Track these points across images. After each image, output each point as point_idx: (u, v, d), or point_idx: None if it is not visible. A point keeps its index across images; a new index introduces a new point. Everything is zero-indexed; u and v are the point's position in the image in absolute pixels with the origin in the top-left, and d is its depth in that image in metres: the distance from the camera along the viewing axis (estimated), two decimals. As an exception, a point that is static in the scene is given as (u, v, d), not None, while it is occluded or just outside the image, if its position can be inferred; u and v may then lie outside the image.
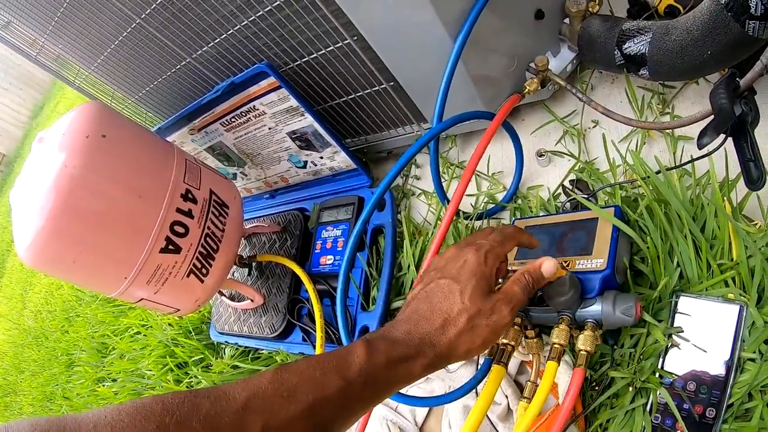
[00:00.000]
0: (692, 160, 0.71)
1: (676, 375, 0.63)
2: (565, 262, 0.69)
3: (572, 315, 0.65)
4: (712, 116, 0.61)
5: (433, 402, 0.68)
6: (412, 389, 0.84)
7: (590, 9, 0.85)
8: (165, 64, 1.06)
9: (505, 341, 0.67)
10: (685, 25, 0.68)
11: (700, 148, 0.59)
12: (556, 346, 0.63)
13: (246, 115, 1.03)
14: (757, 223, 0.67)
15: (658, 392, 0.63)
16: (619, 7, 0.94)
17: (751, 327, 0.60)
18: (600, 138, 0.90)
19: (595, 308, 0.64)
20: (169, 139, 1.15)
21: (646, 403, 0.64)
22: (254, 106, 0.99)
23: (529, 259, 0.73)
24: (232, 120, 1.05)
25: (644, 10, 0.88)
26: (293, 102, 0.95)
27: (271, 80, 0.91)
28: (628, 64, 0.79)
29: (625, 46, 0.78)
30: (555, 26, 0.89)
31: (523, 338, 0.70)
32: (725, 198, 0.67)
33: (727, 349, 0.60)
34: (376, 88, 0.94)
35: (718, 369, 0.61)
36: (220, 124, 1.07)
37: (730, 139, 0.61)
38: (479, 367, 0.76)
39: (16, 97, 8.66)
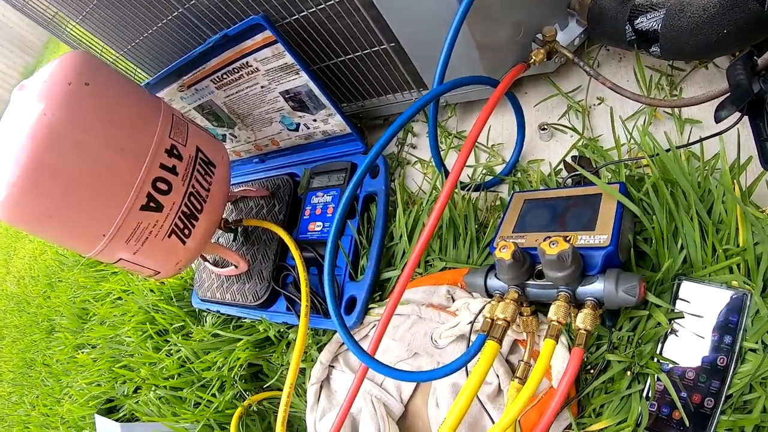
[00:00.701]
0: (702, 139, 0.70)
1: (674, 362, 0.61)
2: (566, 236, 0.66)
3: (572, 292, 0.63)
4: (728, 93, 0.59)
5: (422, 376, 0.65)
6: (399, 364, 0.81)
7: None
8: (156, 15, 1.01)
9: (501, 316, 0.64)
10: (701, 3, 0.67)
11: (717, 122, 0.58)
12: (554, 323, 0.60)
13: (238, 72, 0.98)
14: (765, 210, 0.65)
15: (656, 378, 0.62)
16: None
17: (755, 316, 0.59)
18: (604, 116, 0.89)
19: (597, 286, 0.61)
20: (158, 95, 1.10)
21: (643, 389, 0.63)
22: (247, 62, 0.95)
23: (529, 232, 0.70)
24: (224, 77, 1.01)
25: None
26: (288, 59, 0.90)
27: (266, 34, 0.87)
28: (639, 40, 0.77)
29: (637, 22, 0.76)
30: None
31: (517, 315, 0.67)
32: (735, 181, 0.65)
33: (729, 337, 0.59)
34: (376, 48, 0.91)
35: (718, 358, 0.59)
36: (211, 81, 1.03)
37: (735, 126, 0.61)
38: (469, 344, 0.74)
39: (6, 59, 8.49)
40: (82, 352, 1.57)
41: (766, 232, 0.60)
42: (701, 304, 0.62)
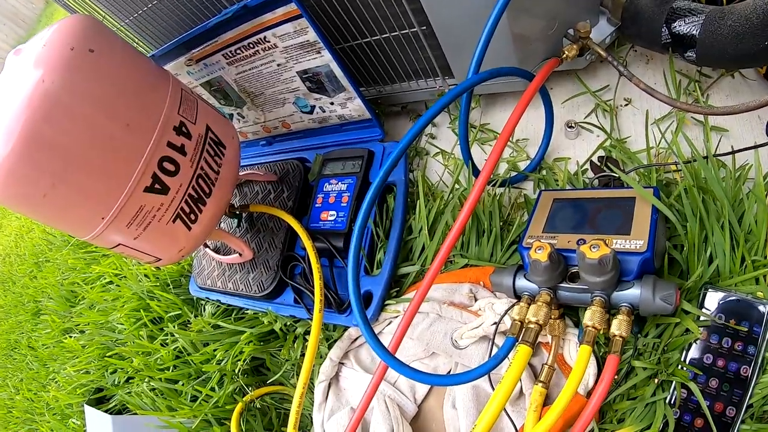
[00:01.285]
0: (738, 151, 0.70)
1: (699, 370, 0.61)
2: (601, 239, 0.64)
3: (607, 297, 0.61)
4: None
5: (449, 380, 0.63)
6: (414, 364, 0.79)
7: None
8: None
9: (534, 319, 0.62)
10: (744, 12, 0.66)
11: None
12: (590, 329, 0.59)
13: (254, 47, 0.93)
14: None
15: (682, 385, 0.61)
16: None
17: None
18: (631, 117, 0.89)
19: (633, 292, 0.60)
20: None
21: (668, 397, 0.62)
22: (265, 38, 0.90)
23: (560, 233, 0.68)
24: (237, 52, 0.95)
25: None
26: (311, 35, 0.86)
27: (290, 7, 0.82)
28: (675, 44, 0.77)
29: (674, 25, 0.75)
30: None
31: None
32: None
33: (752, 347, 0.59)
34: (406, 31, 0.88)
35: (741, 368, 0.60)
36: (223, 55, 0.97)
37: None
38: (492, 347, 0.71)
39: (-2, 32, 8.28)
40: (71, 337, 1.52)
41: None
42: (726, 314, 0.62)
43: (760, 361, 0.58)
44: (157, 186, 0.75)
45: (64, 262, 1.88)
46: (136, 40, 1.15)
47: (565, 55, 0.82)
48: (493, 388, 0.70)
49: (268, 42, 0.91)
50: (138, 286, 1.28)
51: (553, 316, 0.67)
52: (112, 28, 1.09)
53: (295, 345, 0.94)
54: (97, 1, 1.08)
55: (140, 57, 0.78)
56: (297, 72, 0.95)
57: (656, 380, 0.63)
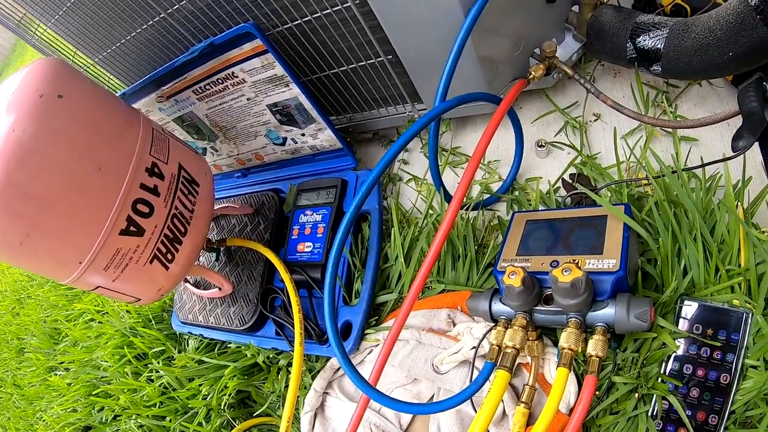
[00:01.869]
0: (708, 164, 0.70)
1: (679, 381, 0.62)
2: (574, 260, 0.64)
3: (582, 317, 0.61)
4: (727, 123, 0.60)
5: (429, 409, 0.63)
6: (398, 391, 0.78)
7: None
8: (136, 20, 0.95)
9: (510, 344, 0.62)
10: (707, 24, 0.67)
11: (734, 151, 0.58)
12: (566, 351, 0.59)
13: (223, 83, 0.94)
14: (766, 231, 0.65)
15: (663, 398, 0.62)
16: (625, 2, 0.92)
17: (756, 334, 0.59)
18: (601, 132, 0.89)
19: (608, 311, 0.60)
20: (134, 106, 1.04)
21: (649, 410, 0.63)
22: (233, 73, 0.90)
23: (534, 255, 0.68)
24: (207, 87, 0.96)
25: (650, 6, 0.87)
26: (278, 70, 0.86)
27: (256, 43, 0.83)
28: (640, 58, 0.77)
29: (639, 40, 0.76)
30: (563, 12, 0.86)
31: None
32: (738, 202, 0.66)
33: (732, 355, 0.60)
34: (373, 60, 0.88)
35: (721, 376, 0.60)
36: (193, 91, 0.98)
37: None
38: (472, 370, 0.71)
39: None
40: (56, 375, 1.49)
41: (767, 252, 0.61)
42: (704, 324, 0.62)
43: (739, 368, 0.59)
44: (132, 228, 0.75)
45: (46, 299, 1.86)
46: (109, 76, 1.15)
47: (531, 76, 0.83)
48: (476, 411, 0.70)
49: (237, 77, 0.91)
50: (120, 322, 1.27)
51: (530, 338, 0.67)
52: (83, 65, 1.10)
53: (279, 377, 0.94)
54: (67, 40, 1.08)
55: (110, 98, 0.78)
56: (267, 105, 0.96)
57: (637, 394, 0.64)
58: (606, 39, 0.80)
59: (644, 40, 0.75)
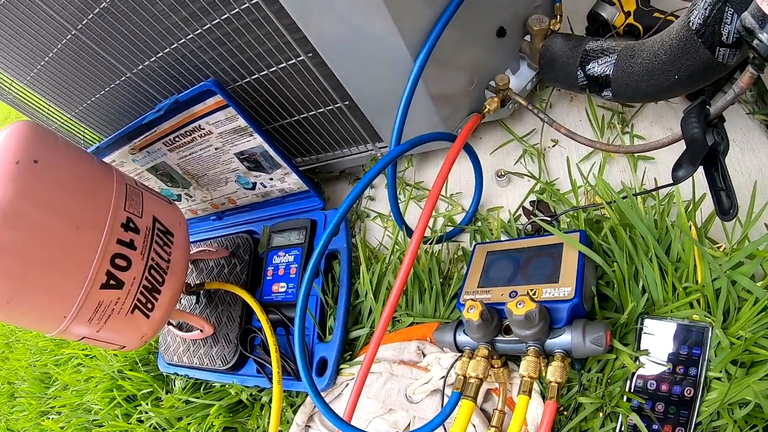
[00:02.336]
0: (659, 188, 0.71)
1: (644, 397, 0.63)
2: (532, 290, 0.67)
3: (540, 345, 0.64)
4: (683, 144, 0.60)
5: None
6: (375, 421, 0.81)
7: (552, 27, 0.84)
8: (103, 79, 0.99)
9: (473, 374, 0.65)
10: (652, 49, 0.68)
11: (675, 182, 0.58)
12: (526, 379, 0.62)
13: (191, 135, 0.97)
14: (721, 246, 0.67)
15: (628, 416, 0.63)
16: (578, 25, 0.94)
17: (717, 347, 0.61)
18: (560, 157, 0.90)
19: (565, 338, 0.63)
20: (108, 158, 1.08)
21: (616, 427, 0.64)
22: (199, 126, 0.94)
23: (494, 286, 0.71)
24: (176, 140, 0.99)
25: (603, 28, 0.88)
26: (242, 122, 0.90)
27: (217, 98, 0.86)
28: (591, 84, 0.78)
29: (589, 67, 0.77)
30: (516, 44, 0.88)
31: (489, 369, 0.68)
32: (690, 222, 0.68)
33: (694, 369, 0.61)
34: (330, 107, 0.91)
35: (685, 389, 0.61)
36: (163, 143, 1.01)
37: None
38: (443, 399, 0.73)
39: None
40: (48, 419, 1.50)
41: (723, 268, 0.62)
42: (665, 340, 0.64)
43: (702, 380, 0.60)
44: (112, 282, 0.77)
45: (35, 344, 1.86)
46: (83, 129, 1.18)
47: (486, 110, 0.85)
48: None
49: (203, 129, 0.94)
50: (108, 366, 1.29)
51: (495, 365, 0.69)
52: (58, 120, 1.12)
53: (263, 413, 0.96)
54: (42, 97, 1.11)
55: (84, 157, 0.81)
56: (234, 154, 0.99)
57: (601, 413, 0.65)
58: (557, 67, 0.82)
59: (593, 67, 0.76)
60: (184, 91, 0.87)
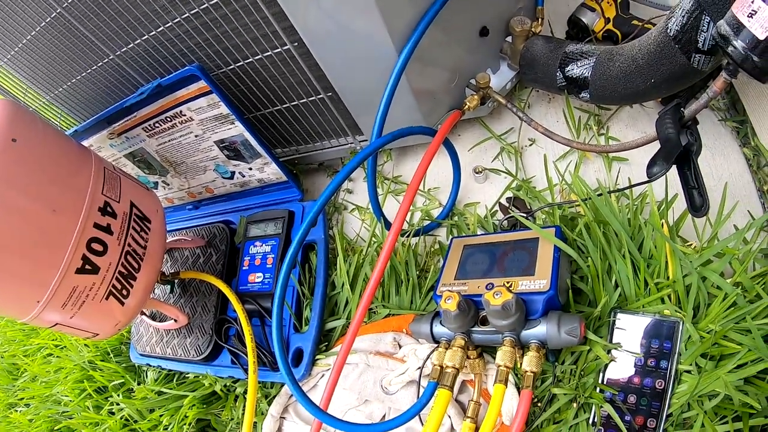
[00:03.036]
0: (633, 186, 0.72)
1: (616, 389, 0.64)
2: (508, 282, 0.68)
3: (516, 336, 0.65)
4: (657, 143, 0.62)
5: (375, 429, 0.65)
6: (351, 412, 0.81)
7: (533, 29, 0.85)
8: (86, 60, 0.97)
9: (450, 364, 0.65)
10: (631, 53, 0.69)
11: (649, 177, 0.60)
12: (502, 368, 0.62)
13: (171, 121, 0.96)
14: (691, 244, 0.69)
15: (601, 407, 0.64)
16: (558, 29, 0.95)
17: (688, 341, 0.63)
18: (536, 156, 0.92)
19: (540, 329, 0.64)
20: (86, 143, 1.06)
21: (590, 417, 0.65)
22: (181, 111, 0.93)
23: (470, 279, 0.72)
24: (156, 125, 0.98)
25: (583, 33, 0.90)
26: (224, 109, 0.89)
27: (201, 84, 0.85)
28: (570, 86, 0.80)
29: (568, 69, 0.78)
30: (497, 44, 0.89)
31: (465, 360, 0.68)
32: (663, 220, 0.69)
33: (665, 362, 0.63)
34: (313, 98, 0.91)
35: (656, 382, 0.63)
36: (143, 129, 1.00)
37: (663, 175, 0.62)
38: (419, 389, 0.74)
39: None
40: (17, 411, 1.46)
41: (693, 265, 0.64)
42: (637, 334, 0.65)
43: (673, 373, 0.62)
44: (87, 267, 0.76)
45: (3, 334, 1.80)
46: (61, 113, 1.16)
47: (467, 106, 0.86)
48: (424, 428, 0.73)
49: (185, 116, 0.93)
50: (79, 356, 1.26)
51: (471, 356, 0.70)
52: (35, 102, 1.10)
53: (237, 404, 0.95)
54: (20, 78, 1.09)
55: (62, 139, 0.79)
56: (214, 141, 0.98)
57: (574, 404, 0.67)
58: (537, 68, 0.83)
59: (572, 69, 0.77)
60: (167, 76, 0.86)
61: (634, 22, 0.86)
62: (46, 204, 0.71)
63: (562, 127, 0.92)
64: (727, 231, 0.71)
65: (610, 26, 0.87)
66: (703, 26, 0.59)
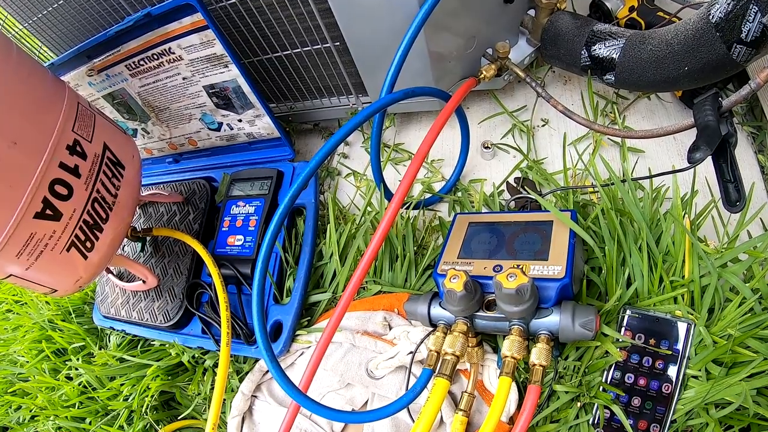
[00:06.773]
0: (657, 174, 0.70)
1: (621, 390, 0.62)
2: (518, 265, 0.62)
3: (526, 325, 0.59)
4: (671, 136, 0.62)
5: (363, 417, 0.60)
6: (330, 395, 0.75)
7: (558, 5, 0.82)
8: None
9: (450, 350, 0.60)
10: (665, 37, 0.68)
11: (690, 163, 0.58)
12: (509, 359, 0.57)
13: (158, 59, 0.88)
14: (709, 244, 0.67)
15: (605, 407, 0.62)
16: (580, 11, 0.93)
17: (698, 345, 0.60)
18: (548, 138, 0.89)
19: (552, 319, 0.59)
20: (62, 79, 0.97)
21: (590, 419, 0.62)
22: (170, 48, 0.85)
23: (476, 258, 0.66)
24: (141, 63, 0.89)
25: (605, 18, 0.89)
26: (218, 49, 0.81)
27: (196, 17, 0.77)
28: (594, 66, 0.78)
29: (594, 48, 0.76)
30: (519, 15, 0.86)
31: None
32: (686, 214, 0.67)
33: (673, 365, 0.60)
34: (319, 46, 0.85)
35: (663, 385, 0.60)
36: (126, 66, 0.91)
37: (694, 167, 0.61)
38: (409, 376, 0.68)
39: None
40: (-32, 371, 1.38)
41: (713, 265, 0.61)
42: (647, 333, 0.62)
43: (681, 378, 0.59)
44: (48, 212, 0.67)
45: (-43, 287, 1.72)
46: (38, 44, 1.07)
47: (482, 75, 0.82)
48: (413, 419, 0.67)
49: (173, 54, 0.86)
50: (39, 315, 1.18)
51: (470, 344, 0.65)
52: (11, 30, 1.01)
53: (205, 378, 0.88)
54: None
55: (33, 66, 0.70)
56: (203, 86, 0.91)
57: (578, 403, 0.63)
58: (561, 45, 0.80)
59: (599, 49, 0.75)
60: (158, 5, 0.78)
61: (660, 13, 0.83)
62: (6, 135, 0.62)
63: (577, 110, 0.89)
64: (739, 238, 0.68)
65: (634, 15, 0.85)
66: (749, 16, 0.57)
